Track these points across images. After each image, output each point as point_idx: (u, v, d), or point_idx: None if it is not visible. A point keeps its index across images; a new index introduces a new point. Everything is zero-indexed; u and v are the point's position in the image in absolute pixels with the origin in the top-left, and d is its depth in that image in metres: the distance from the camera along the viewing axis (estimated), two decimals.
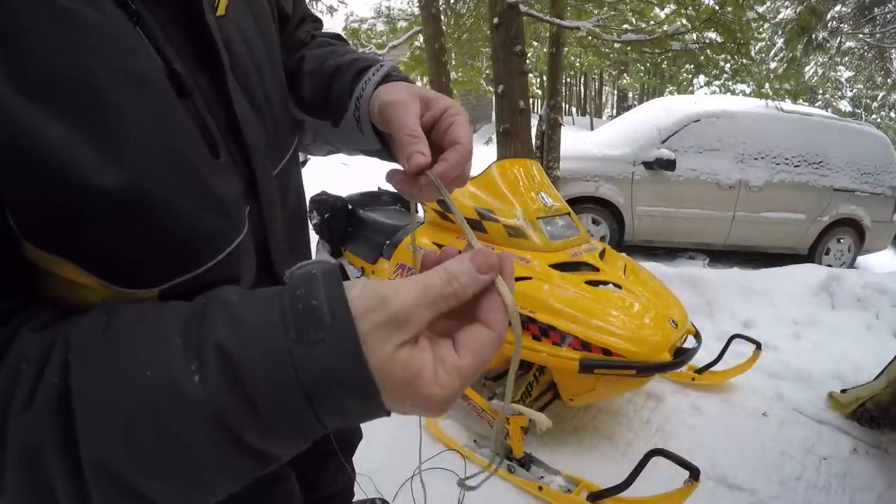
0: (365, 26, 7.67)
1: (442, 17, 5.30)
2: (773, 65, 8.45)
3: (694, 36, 4.72)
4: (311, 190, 1.29)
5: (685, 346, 1.77)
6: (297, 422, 0.29)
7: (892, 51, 8.94)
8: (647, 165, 4.60)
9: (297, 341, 0.27)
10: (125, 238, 0.34)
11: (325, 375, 0.27)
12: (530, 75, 9.16)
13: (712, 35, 4.69)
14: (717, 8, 4.17)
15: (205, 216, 0.38)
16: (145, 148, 0.33)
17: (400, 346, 0.28)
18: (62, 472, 0.28)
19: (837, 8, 7.41)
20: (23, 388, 0.28)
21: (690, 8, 4.49)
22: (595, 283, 1.78)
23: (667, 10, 5.38)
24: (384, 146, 0.53)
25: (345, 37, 0.71)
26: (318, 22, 0.71)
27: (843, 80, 13.27)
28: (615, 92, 26.71)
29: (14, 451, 0.28)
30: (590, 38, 4.97)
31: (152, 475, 0.28)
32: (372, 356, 0.27)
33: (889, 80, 11.11)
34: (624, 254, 2.35)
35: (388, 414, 0.30)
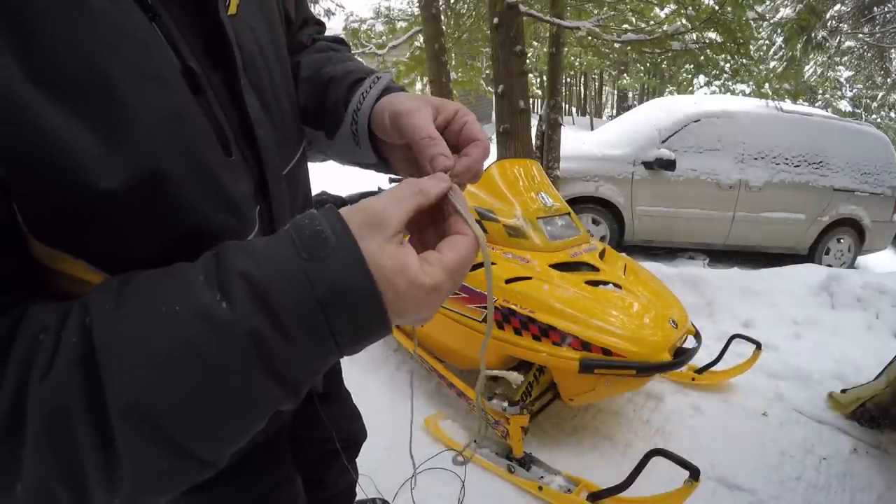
0: (365, 26, 7.67)
1: (442, 17, 5.29)
2: (772, 64, 8.44)
3: (694, 36, 4.72)
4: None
5: (685, 346, 1.77)
6: (316, 335, 0.31)
7: (892, 50, 8.94)
8: (647, 165, 4.60)
9: (308, 260, 0.31)
10: (136, 235, 0.34)
11: (334, 285, 0.31)
12: (530, 75, 9.16)
13: (712, 35, 4.69)
14: (717, 8, 4.17)
15: (217, 214, 0.39)
16: (157, 143, 0.33)
17: (386, 241, 0.33)
18: (88, 431, 0.28)
19: (837, 7, 7.40)
20: (42, 356, 0.28)
21: (690, 8, 4.49)
22: (595, 283, 1.78)
23: (667, 10, 5.38)
24: (381, 160, 0.53)
25: (345, 38, 0.71)
26: (321, 25, 0.70)
27: (842, 79, 13.27)
28: (615, 92, 26.72)
29: (36, 420, 0.28)
30: (590, 38, 4.97)
31: (184, 412, 0.29)
32: (364, 251, 0.32)
33: (889, 80, 11.11)
34: (624, 254, 2.35)
35: (389, 329, 0.34)
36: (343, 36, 0.72)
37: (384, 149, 0.51)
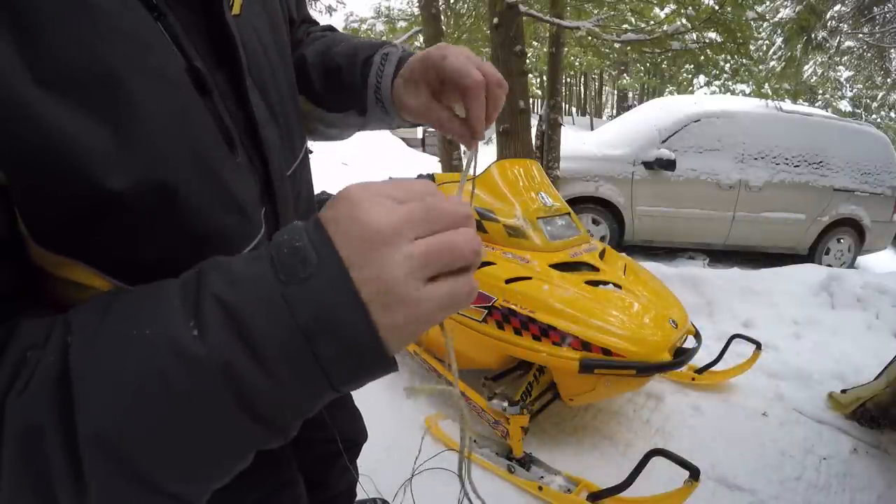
0: (365, 26, 7.67)
1: (442, 17, 5.29)
2: (772, 64, 8.44)
3: (694, 36, 4.72)
4: None
5: (685, 346, 1.77)
6: (302, 371, 0.28)
7: (892, 51, 8.94)
8: (647, 165, 4.60)
9: (287, 283, 0.27)
10: (142, 237, 0.34)
11: (318, 311, 0.27)
12: (530, 75, 9.16)
13: (712, 35, 4.70)
14: (716, 8, 4.17)
15: (223, 216, 0.38)
16: (164, 143, 0.33)
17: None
18: (59, 455, 0.27)
19: (837, 7, 7.40)
20: (25, 372, 0.28)
21: (690, 8, 4.50)
22: (595, 283, 1.78)
23: (667, 10, 5.38)
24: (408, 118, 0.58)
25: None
26: (315, 24, 0.72)
27: (842, 79, 13.27)
28: (615, 92, 26.74)
29: (10, 437, 0.27)
30: (590, 38, 4.97)
31: (152, 445, 0.27)
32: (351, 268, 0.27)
33: (889, 80, 11.10)
34: (624, 254, 2.35)
35: (390, 359, 0.29)
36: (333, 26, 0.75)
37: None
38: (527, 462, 1.70)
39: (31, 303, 0.33)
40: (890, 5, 7.35)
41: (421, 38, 5.81)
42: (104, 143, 0.30)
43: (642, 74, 18.66)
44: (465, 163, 0.46)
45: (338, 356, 0.28)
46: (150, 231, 0.34)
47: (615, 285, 1.79)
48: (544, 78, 11.08)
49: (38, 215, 0.30)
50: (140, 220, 0.33)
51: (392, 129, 0.65)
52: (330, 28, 0.71)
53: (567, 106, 24.88)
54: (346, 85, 0.58)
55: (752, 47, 5.76)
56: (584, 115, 25.47)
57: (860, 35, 8.15)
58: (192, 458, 0.29)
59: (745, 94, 8.56)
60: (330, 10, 7.95)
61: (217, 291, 0.28)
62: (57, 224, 0.30)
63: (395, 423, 1.86)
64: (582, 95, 29.29)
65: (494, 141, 4.09)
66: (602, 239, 4.65)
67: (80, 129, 0.29)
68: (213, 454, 0.29)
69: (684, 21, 4.56)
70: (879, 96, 14.85)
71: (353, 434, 0.88)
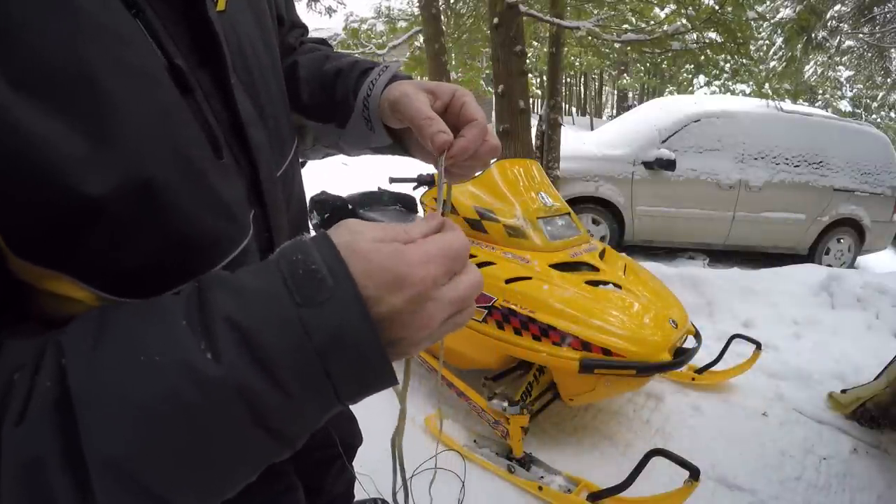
0: (365, 26, 7.67)
1: (442, 17, 5.30)
2: (772, 64, 8.44)
3: (694, 36, 4.72)
4: (311, 190, 1.30)
5: (685, 346, 1.77)
6: (313, 387, 0.29)
7: (892, 50, 8.93)
8: (647, 165, 4.60)
9: (303, 305, 0.28)
10: (125, 244, 0.32)
11: (334, 332, 0.28)
12: (530, 75, 9.17)
13: (712, 35, 4.70)
14: (717, 8, 4.17)
15: (208, 219, 0.37)
16: (144, 145, 0.32)
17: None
18: (66, 484, 0.26)
19: (837, 7, 7.40)
20: (16, 399, 0.26)
21: (690, 8, 4.50)
22: (595, 283, 1.78)
23: (667, 10, 5.39)
24: (395, 142, 0.55)
25: (344, 37, 0.73)
26: (305, 29, 0.71)
27: (842, 79, 13.28)
28: (615, 92, 26.75)
29: (10, 467, 0.26)
30: (590, 38, 4.97)
31: (167, 466, 0.27)
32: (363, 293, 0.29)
33: (889, 80, 11.10)
34: (624, 254, 2.35)
35: (392, 372, 0.31)
36: (343, 36, 0.74)
37: (397, 131, 0.53)
38: (527, 462, 1.70)
39: (14, 319, 0.32)
40: (890, 5, 7.35)
41: (421, 38, 5.82)
42: (84, 144, 0.29)
43: (642, 74, 18.68)
44: (439, 177, 0.45)
45: (348, 374, 0.30)
46: (132, 237, 0.32)
47: (615, 285, 1.79)
48: (544, 78, 11.09)
49: (16, 225, 0.28)
50: (122, 226, 0.31)
51: (364, 149, 0.60)
52: (324, 42, 0.70)
53: (567, 106, 24.90)
54: (337, 93, 0.56)
55: (752, 47, 5.76)
56: (584, 115, 25.50)
57: (860, 35, 8.14)
58: (205, 474, 0.29)
59: (745, 94, 8.58)
60: (330, 11, 7.96)
61: (228, 312, 0.28)
62: (36, 234, 0.29)
63: (396, 424, 1.86)
64: (582, 95, 29.31)
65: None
66: (602, 239, 4.65)
67: (58, 134, 0.28)
68: (226, 469, 0.30)
69: (684, 21, 4.56)
70: (879, 96, 14.86)
71: (350, 437, 0.88)
